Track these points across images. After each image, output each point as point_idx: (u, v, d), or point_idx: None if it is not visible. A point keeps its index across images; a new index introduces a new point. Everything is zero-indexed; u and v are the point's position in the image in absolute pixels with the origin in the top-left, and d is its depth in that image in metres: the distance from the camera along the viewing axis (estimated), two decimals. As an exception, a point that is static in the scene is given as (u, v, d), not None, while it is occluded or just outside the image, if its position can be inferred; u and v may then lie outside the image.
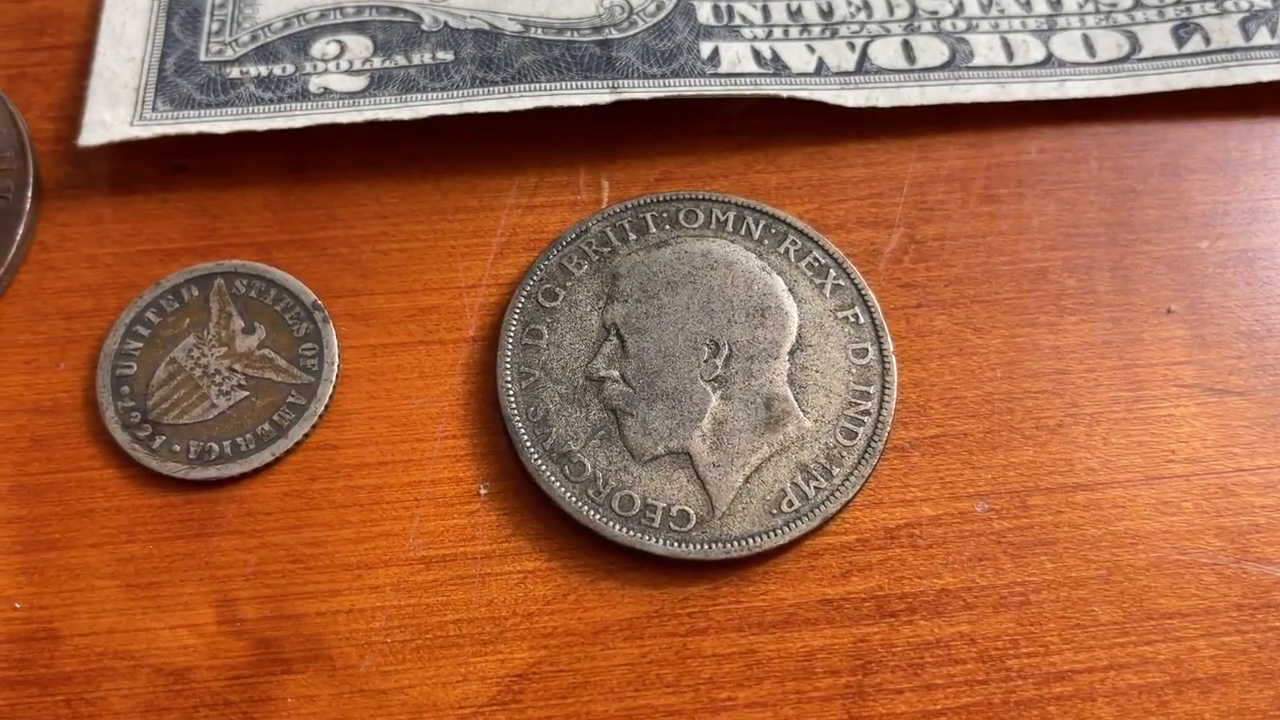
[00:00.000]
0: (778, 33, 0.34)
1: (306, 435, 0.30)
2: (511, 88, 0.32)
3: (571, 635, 0.28)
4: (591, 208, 0.32)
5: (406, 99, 0.32)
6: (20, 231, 0.31)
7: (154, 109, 0.32)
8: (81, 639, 0.28)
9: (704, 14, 0.34)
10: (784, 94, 0.33)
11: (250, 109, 0.32)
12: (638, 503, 0.28)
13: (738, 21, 0.34)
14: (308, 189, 0.33)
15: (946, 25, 0.34)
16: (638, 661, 0.28)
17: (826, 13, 0.35)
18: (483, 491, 0.29)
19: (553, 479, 0.29)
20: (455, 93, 0.32)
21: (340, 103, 0.32)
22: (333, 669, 0.27)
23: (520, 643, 0.28)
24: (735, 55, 0.33)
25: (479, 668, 0.28)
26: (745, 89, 0.33)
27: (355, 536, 0.29)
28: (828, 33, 0.34)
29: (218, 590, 0.28)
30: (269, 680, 0.27)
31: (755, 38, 0.34)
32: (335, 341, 0.30)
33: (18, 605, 0.28)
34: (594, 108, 0.32)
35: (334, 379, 0.30)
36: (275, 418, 0.29)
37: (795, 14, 0.34)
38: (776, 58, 0.33)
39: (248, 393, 0.30)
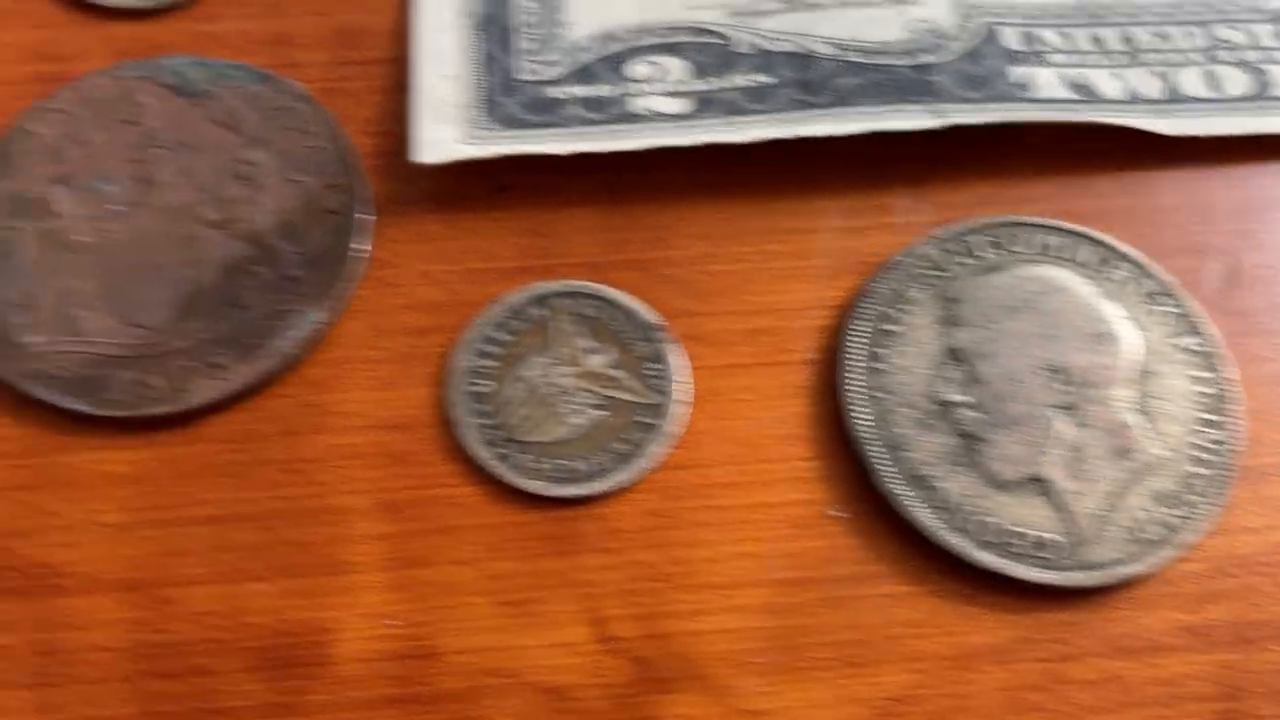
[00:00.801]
0: (1083, 60, 0.34)
1: (661, 455, 0.30)
2: (836, 110, 0.33)
3: (941, 659, 0.28)
4: (913, 231, 0.33)
5: (734, 121, 0.33)
6: (357, 248, 0.31)
7: (483, 128, 0.32)
8: (459, 656, 0.28)
9: (1010, 40, 0.34)
10: (1101, 120, 0.33)
11: (580, 130, 0.32)
12: (999, 528, 0.29)
13: (1043, 48, 0.34)
14: (631, 210, 0.33)
15: (1246, 55, 0.35)
16: (1010, 687, 0.28)
17: (1128, 40, 0.35)
18: (838, 515, 0.29)
19: (912, 504, 0.29)
20: (779, 115, 0.33)
21: (669, 125, 0.33)
22: (710, 689, 0.28)
23: (891, 666, 0.28)
24: (1046, 81, 0.34)
25: (853, 690, 0.28)
26: (1061, 115, 0.33)
27: (717, 556, 0.29)
28: (1131, 61, 0.34)
29: (588, 608, 0.28)
30: (649, 699, 0.28)
31: (1062, 64, 0.34)
32: (682, 362, 0.30)
33: (390, 622, 0.28)
34: (905, 131, 0.32)
35: (683, 400, 0.30)
36: (630, 437, 0.30)
37: (1098, 42, 0.35)
38: (1086, 85, 0.34)
39: (600, 412, 0.30)
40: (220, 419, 0.31)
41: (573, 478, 0.29)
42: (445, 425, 0.30)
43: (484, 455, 0.29)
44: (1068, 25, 0.35)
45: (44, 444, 0.30)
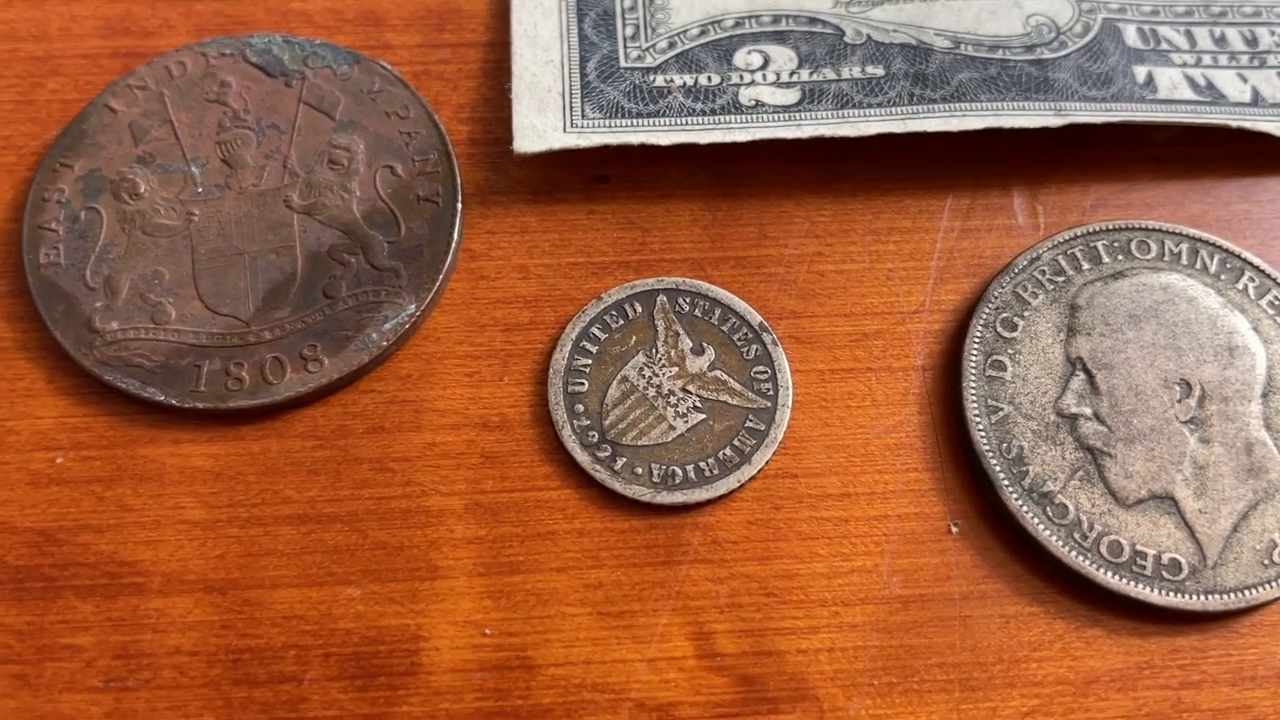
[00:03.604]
0: (1207, 59, 0.33)
1: (767, 462, 0.28)
2: (952, 106, 0.31)
3: (1062, 684, 0.27)
4: (1030, 233, 0.31)
5: (845, 115, 0.31)
6: (453, 238, 0.30)
7: (583, 116, 0.31)
8: (557, 669, 0.26)
9: (1130, 37, 0.33)
10: (1232, 124, 0.31)
11: (684, 120, 0.31)
12: (1126, 549, 0.27)
13: (1165, 46, 0.33)
14: (735, 204, 0.31)
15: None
16: (1133, 714, 0.27)
17: (1251, 41, 0.33)
18: (954, 529, 0.28)
19: (1035, 520, 0.27)
20: (893, 109, 0.31)
21: (776, 117, 0.31)
22: (820, 711, 0.26)
23: (1010, 690, 0.27)
24: (1171, 81, 0.32)
25: (971, 715, 0.26)
26: (1187, 116, 0.32)
27: (827, 571, 0.28)
28: (1255, 61, 0.33)
29: (692, 622, 0.27)
30: (756, 720, 0.26)
31: (1186, 64, 0.32)
32: (787, 365, 0.29)
33: (487, 631, 0.27)
34: (1021, 129, 0.31)
35: (790, 404, 0.28)
36: (736, 443, 0.28)
37: (1220, 41, 0.33)
38: (1211, 86, 0.32)
39: (704, 415, 0.28)
40: (308, 413, 0.29)
41: (676, 484, 0.28)
42: (543, 425, 0.29)
43: (583, 458, 0.28)
44: (1189, 23, 0.33)
45: (122, 436, 0.29)
